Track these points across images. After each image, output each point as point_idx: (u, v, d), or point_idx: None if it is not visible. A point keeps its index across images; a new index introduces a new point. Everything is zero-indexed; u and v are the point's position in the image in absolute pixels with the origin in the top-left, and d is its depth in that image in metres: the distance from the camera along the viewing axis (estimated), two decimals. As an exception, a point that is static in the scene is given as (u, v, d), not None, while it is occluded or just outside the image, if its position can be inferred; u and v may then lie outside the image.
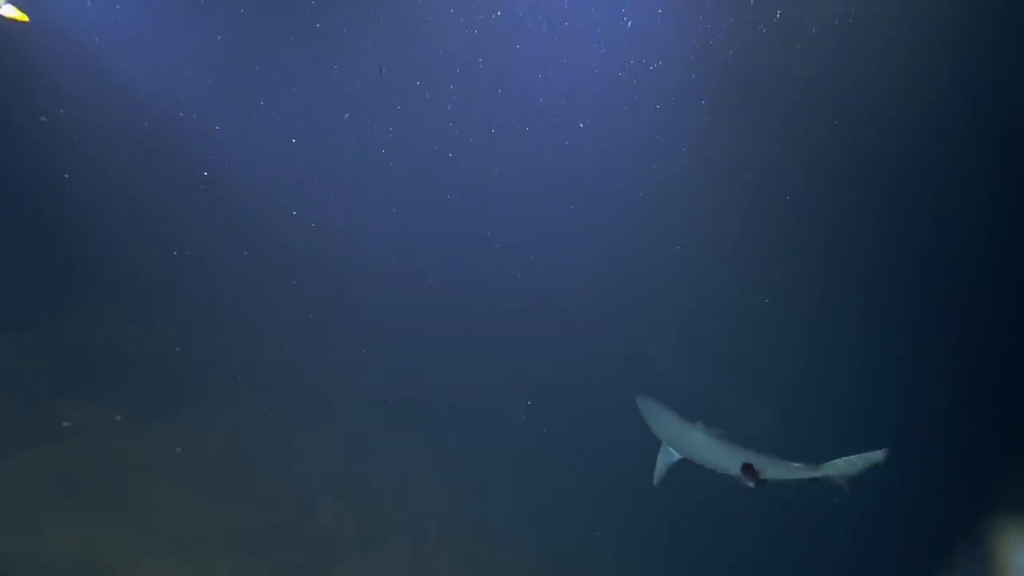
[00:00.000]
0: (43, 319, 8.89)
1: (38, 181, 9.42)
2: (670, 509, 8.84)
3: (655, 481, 7.45)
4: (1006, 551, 7.74)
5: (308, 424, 9.12)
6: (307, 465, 8.63)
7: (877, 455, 6.70)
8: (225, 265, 10.00)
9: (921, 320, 9.69)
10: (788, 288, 9.73)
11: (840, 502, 8.97)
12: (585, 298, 10.18)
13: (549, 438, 9.59)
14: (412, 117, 10.10)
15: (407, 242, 10.36)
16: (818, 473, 6.79)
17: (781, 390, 9.67)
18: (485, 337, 10.15)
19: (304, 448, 8.84)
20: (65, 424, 7.79)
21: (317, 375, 9.74)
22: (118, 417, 8.09)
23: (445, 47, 9.72)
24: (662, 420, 7.27)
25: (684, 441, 7.19)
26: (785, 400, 9.63)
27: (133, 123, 9.68)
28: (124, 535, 7.05)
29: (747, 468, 6.55)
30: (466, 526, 8.70)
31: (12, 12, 6.09)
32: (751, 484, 6.61)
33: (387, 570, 8.00)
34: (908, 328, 9.74)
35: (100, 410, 8.08)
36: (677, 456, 7.31)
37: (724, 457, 6.92)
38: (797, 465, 6.84)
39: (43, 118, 9.05)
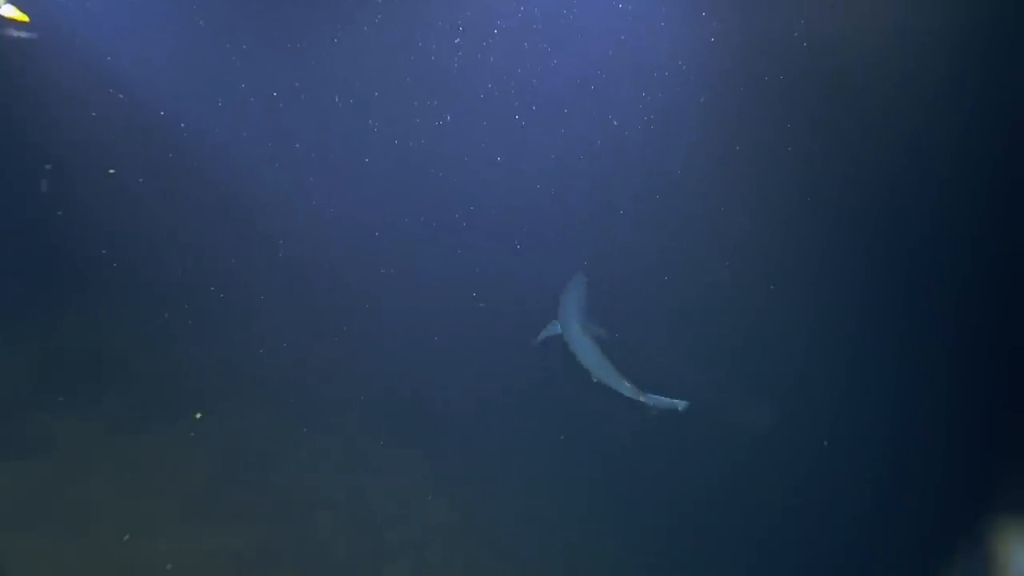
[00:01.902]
0: (17, 321, 8.67)
1: (22, 180, 9.28)
2: (674, 514, 8.88)
3: (536, 341, 8.07)
4: (1006, 551, 7.74)
5: (305, 435, 8.76)
6: (303, 479, 8.24)
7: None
8: (219, 267, 9.86)
9: (920, 318, 9.70)
10: (788, 286, 9.74)
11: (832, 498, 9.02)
12: (613, 305, 10.03)
13: (561, 445, 9.46)
14: (432, 117, 9.98)
15: (420, 244, 10.23)
16: (638, 397, 7.58)
17: (778, 388, 9.69)
18: (498, 341, 9.93)
19: (300, 461, 8.46)
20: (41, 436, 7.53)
21: (316, 383, 9.45)
22: (99, 429, 7.76)
23: (471, 44, 9.58)
24: (569, 301, 7.78)
25: (567, 328, 7.81)
26: (783, 398, 9.66)
27: (123, 119, 9.53)
28: (105, 558, 6.73)
29: None
30: (470, 538, 8.39)
31: (12, 12, 6.09)
32: None
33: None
34: (907, 326, 9.75)
35: (79, 421, 7.76)
36: (558, 331, 7.87)
37: (585, 354, 7.66)
38: (629, 386, 7.58)
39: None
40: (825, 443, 9.34)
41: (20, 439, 7.39)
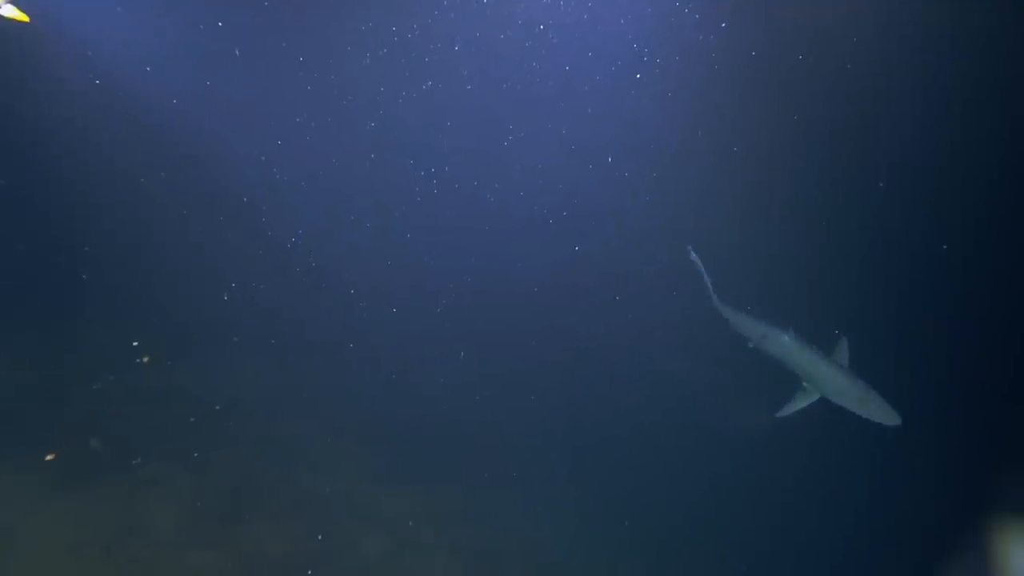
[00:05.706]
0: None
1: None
2: (672, 517, 8.80)
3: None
4: (1006, 551, 7.74)
5: (285, 482, 7.72)
6: (283, 533, 7.14)
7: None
8: (187, 295, 9.27)
9: (920, 318, 9.69)
10: (787, 282, 9.73)
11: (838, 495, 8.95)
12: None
13: (567, 485, 9.08)
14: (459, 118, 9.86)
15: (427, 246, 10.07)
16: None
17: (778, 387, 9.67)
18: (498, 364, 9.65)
19: (280, 512, 7.35)
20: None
21: (297, 421, 8.53)
22: (42, 483, 6.67)
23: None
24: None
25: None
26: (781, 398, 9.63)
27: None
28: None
29: None
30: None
31: (12, 12, 6.09)
32: None
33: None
34: (907, 326, 9.74)
35: (18, 475, 6.65)
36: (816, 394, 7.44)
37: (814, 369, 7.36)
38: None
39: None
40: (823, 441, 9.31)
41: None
